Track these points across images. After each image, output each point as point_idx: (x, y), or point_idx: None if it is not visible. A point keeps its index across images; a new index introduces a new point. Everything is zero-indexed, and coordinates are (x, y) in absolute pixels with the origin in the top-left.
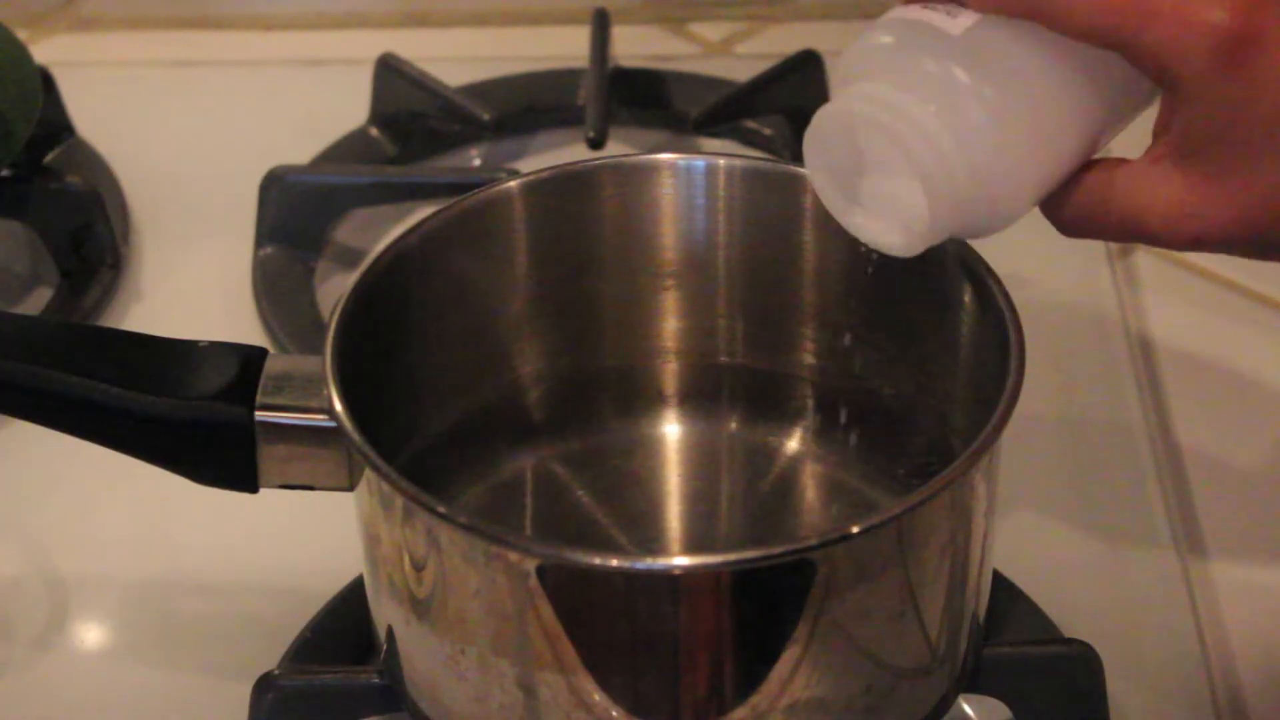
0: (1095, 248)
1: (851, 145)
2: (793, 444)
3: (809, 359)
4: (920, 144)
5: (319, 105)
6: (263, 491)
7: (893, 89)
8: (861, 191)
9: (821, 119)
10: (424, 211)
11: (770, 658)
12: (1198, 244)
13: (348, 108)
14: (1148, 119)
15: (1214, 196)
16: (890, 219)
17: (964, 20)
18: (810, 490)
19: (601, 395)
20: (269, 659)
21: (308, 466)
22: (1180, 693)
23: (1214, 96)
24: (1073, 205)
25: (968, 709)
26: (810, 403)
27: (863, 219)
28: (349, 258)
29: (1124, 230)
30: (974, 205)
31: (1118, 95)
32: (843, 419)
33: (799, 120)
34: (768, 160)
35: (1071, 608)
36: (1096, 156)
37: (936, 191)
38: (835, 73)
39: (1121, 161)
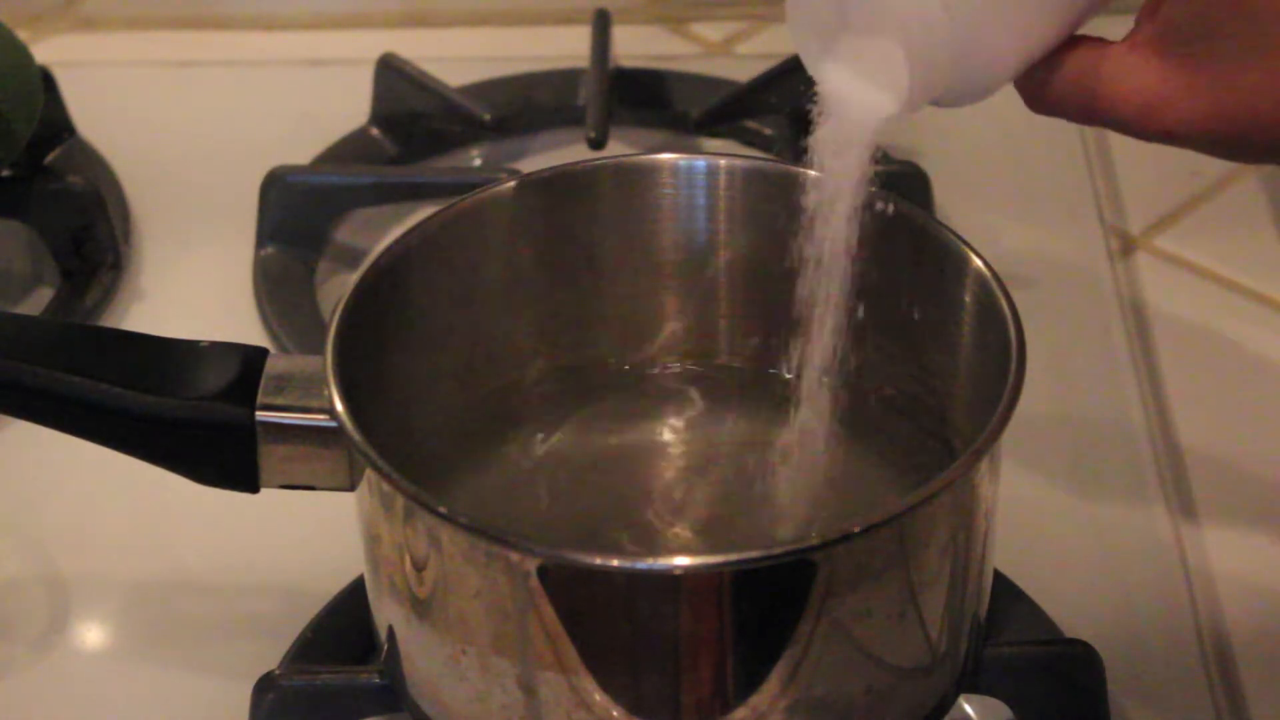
0: (1095, 247)
1: (835, 3)
2: (793, 443)
3: (809, 359)
4: (904, 3)
5: (319, 105)
6: (263, 491)
7: None
8: (842, 51)
9: None
10: (424, 211)
11: (771, 658)
12: (1168, 135)
13: (348, 108)
14: None
15: (1193, 89)
16: (869, 79)
17: None
18: (811, 490)
19: (602, 395)
20: (269, 659)
21: (308, 466)
22: (1180, 693)
23: None
24: (1055, 84)
25: (968, 709)
26: (810, 402)
27: (841, 79)
28: (349, 258)
29: (1097, 114)
30: (955, 70)
31: None
32: (843, 418)
33: (799, 120)
34: (768, 160)
35: (1071, 608)
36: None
37: (918, 53)
38: None
39: (1102, 43)
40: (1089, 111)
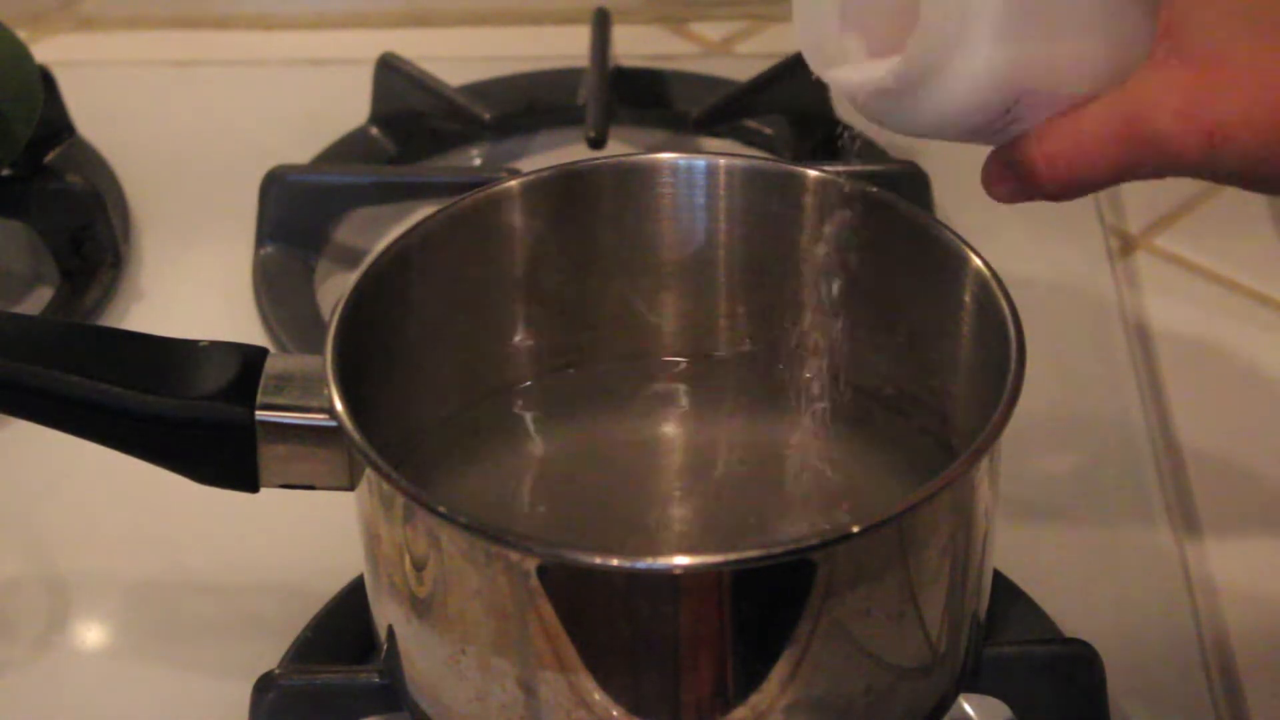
0: (1095, 247)
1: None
2: (793, 443)
3: (809, 359)
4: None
5: (319, 105)
6: (263, 491)
7: None
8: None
9: None
10: (424, 211)
11: (770, 657)
12: (1210, 139)
13: (348, 108)
14: None
15: (1220, 82)
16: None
17: None
18: (811, 490)
19: (601, 394)
20: (269, 659)
21: (308, 466)
22: (1180, 693)
23: None
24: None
25: (968, 708)
26: (810, 402)
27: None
28: (349, 258)
29: (1135, 136)
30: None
31: None
32: (843, 418)
33: (799, 120)
34: (768, 160)
35: (1071, 608)
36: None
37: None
38: None
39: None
40: (1126, 138)
